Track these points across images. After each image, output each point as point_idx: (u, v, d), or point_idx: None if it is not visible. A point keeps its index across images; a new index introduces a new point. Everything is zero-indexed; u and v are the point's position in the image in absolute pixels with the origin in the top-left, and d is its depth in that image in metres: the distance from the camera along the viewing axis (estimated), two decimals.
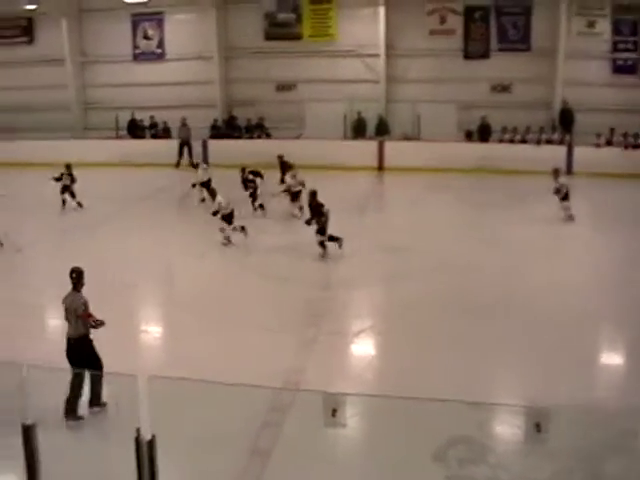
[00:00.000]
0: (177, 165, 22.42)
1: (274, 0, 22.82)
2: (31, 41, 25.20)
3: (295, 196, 16.00)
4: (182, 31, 23.76)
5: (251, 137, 22.87)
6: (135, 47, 24.35)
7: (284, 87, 23.00)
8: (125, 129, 24.08)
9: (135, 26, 24.19)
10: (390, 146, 21.59)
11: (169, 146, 22.53)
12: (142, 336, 10.22)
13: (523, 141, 20.98)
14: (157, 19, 23.93)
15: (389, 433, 6.74)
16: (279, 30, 22.99)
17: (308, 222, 12.83)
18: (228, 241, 13.89)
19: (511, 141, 21.15)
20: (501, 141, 21.23)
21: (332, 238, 12.94)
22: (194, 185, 17.17)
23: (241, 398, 6.03)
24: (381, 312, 11.08)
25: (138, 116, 24.03)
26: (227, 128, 23.61)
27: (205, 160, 21.74)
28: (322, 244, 12.91)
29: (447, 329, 9.63)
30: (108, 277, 11.26)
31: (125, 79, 24.08)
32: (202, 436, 6.75)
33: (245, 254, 13.70)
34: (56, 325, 10.72)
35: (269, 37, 23.18)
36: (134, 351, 9.23)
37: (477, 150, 20.90)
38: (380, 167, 21.57)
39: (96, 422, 7.32)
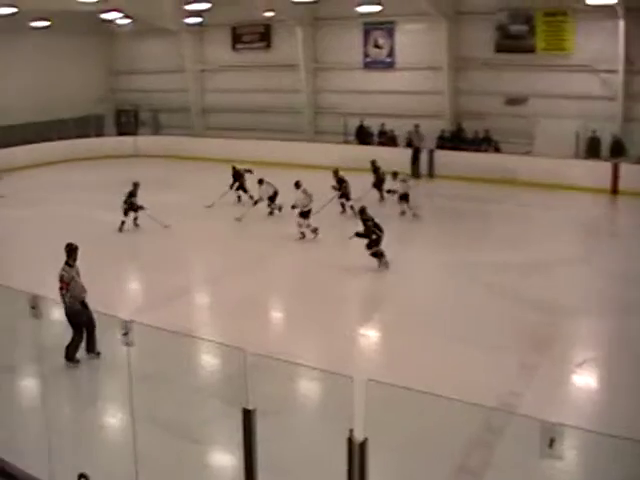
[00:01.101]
0: (412, 174, 25.26)
1: (507, 12, 25.84)
2: (268, 47, 31.29)
3: (404, 197, 19.72)
4: (412, 41, 27.74)
5: (478, 150, 25.75)
6: (366, 55, 28.81)
7: (514, 101, 25.95)
8: (353, 135, 28.62)
9: (367, 35, 28.66)
10: (626, 168, 23.14)
11: (396, 153, 26.21)
12: (360, 339, 12.08)
13: None
14: (388, 28, 28.17)
15: (609, 473, 7.26)
16: (511, 42, 25.98)
17: (361, 235, 15.39)
18: (302, 236, 17.41)
19: None
20: None
21: (376, 254, 15.14)
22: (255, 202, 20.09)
23: (454, 413, 6.79)
24: (606, 343, 11.84)
25: (366, 123, 28.20)
26: (454, 140, 26.68)
27: (431, 171, 25.90)
28: (375, 255, 15.26)
29: None
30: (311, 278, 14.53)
31: (355, 86, 28.57)
32: (411, 445, 7.80)
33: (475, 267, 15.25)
34: (280, 317, 13.85)
35: (500, 49, 26.13)
36: (352, 353, 10.97)
37: None
38: (614, 190, 23.25)
39: (306, 418, 9.09)
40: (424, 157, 26.40)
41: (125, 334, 6.69)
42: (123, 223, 19.01)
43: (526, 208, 21.17)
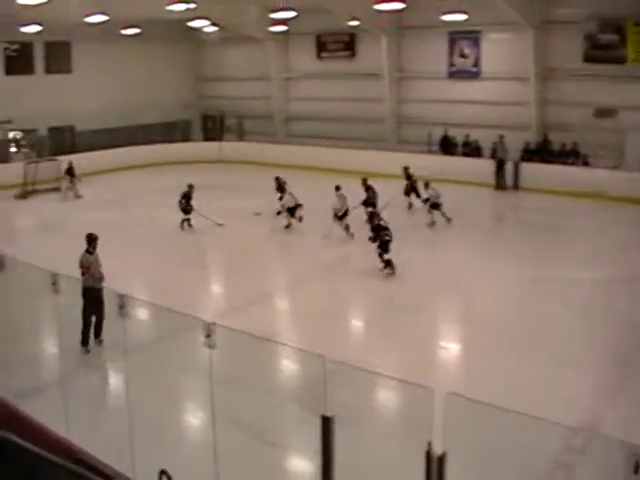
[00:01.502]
0: (496, 187, 25.59)
1: (596, 21, 25.11)
2: (353, 55, 31.46)
3: (435, 207, 19.93)
4: (498, 50, 27.41)
5: (565, 163, 25.27)
6: (451, 65, 28.62)
7: (603, 113, 25.25)
8: (437, 145, 28.39)
9: (452, 44, 28.44)
10: None
11: (480, 164, 26.18)
12: (439, 352, 12.10)
13: None
14: (474, 38, 27.88)
15: None
16: (600, 52, 25.29)
17: (372, 240, 15.87)
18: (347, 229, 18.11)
19: None
20: None
21: (388, 261, 15.57)
22: (279, 212, 20.07)
23: (534, 430, 6.49)
24: None
25: (451, 133, 27.99)
26: (540, 152, 26.19)
27: (516, 184, 25.33)
28: (383, 260, 15.74)
29: None
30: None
31: (439, 96, 28.39)
32: (490, 461, 7.73)
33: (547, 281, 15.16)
34: (359, 325, 13.89)
35: (589, 59, 25.47)
36: (431, 365, 10.99)
37: None
38: None
39: (384, 428, 9.09)
40: (509, 169, 26.00)
41: (208, 336, 6.86)
42: (183, 221, 20.35)
43: (613, 224, 20.67)
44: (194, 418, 9.66)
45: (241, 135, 35.89)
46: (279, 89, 34.48)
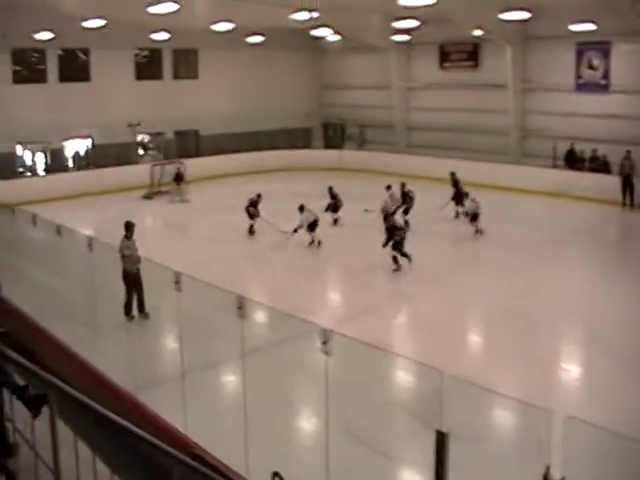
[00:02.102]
0: (623, 204, 24.45)
1: None
2: (476, 66, 31.09)
3: (475, 217, 20.01)
4: (630, 62, 26.36)
5: None
6: (578, 77, 27.72)
7: None
8: (562, 159, 27.50)
9: (579, 55, 27.53)
10: None
11: (607, 181, 25.08)
12: (560, 373, 11.72)
13: None
14: (603, 49, 26.85)
15: None
16: None
17: (385, 245, 16.64)
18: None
19: None
20: None
21: (405, 254, 16.67)
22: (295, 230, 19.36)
23: None
24: None
25: (577, 147, 27.08)
26: None
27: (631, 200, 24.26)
28: (395, 258, 16.64)
29: None
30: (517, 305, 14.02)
31: (565, 108, 27.48)
32: None
33: None
34: (475, 340, 13.53)
35: None
36: (550, 386, 10.63)
37: None
38: None
39: (500, 448, 8.86)
40: (638, 186, 24.91)
41: (324, 343, 6.92)
42: (251, 227, 20.94)
43: None
44: (308, 423, 9.78)
45: (362, 144, 36.12)
46: (400, 98, 34.43)
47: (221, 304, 9.15)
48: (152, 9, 20.10)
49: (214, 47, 31.88)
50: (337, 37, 31.45)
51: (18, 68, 28.98)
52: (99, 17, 22.00)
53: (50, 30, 24.86)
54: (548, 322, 13.72)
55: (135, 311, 13.65)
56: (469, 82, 31.43)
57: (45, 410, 4.29)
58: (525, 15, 22.13)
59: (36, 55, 29.45)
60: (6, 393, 4.98)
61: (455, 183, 22.57)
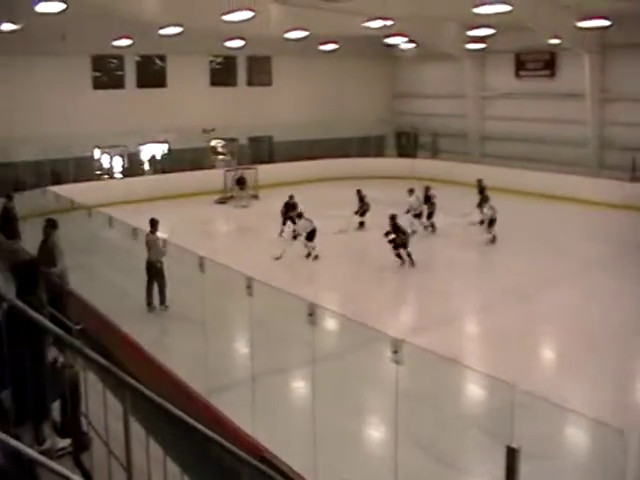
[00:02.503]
0: None
1: None
2: (553, 75, 30.52)
3: (491, 223, 20.38)
4: None
5: None
6: None
7: None
8: None
9: None
10: None
11: None
12: (636, 393, 11.54)
13: None
14: None
15: None
16: None
17: (388, 236, 17.97)
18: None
19: None
20: None
21: (409, 255, 17.94)
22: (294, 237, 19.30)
23: None
24: None
25: None
26: None
27: None
28: (399, 256, 17.96)
29: None
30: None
31: None
32: None
33: None
34: (549, 355, 13.23)
35: None
36: (626, 406, 10.42)
37: None
38: None
39: (572, 467, 8.56)
40: None
41: (395, 352, 6.85)
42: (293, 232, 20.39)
43: None
44: (377, 432, 9.69)
45: (435, 152, 35.88)
46: (475, 107, 34.12)
47: (292, 310, 9.20)
48: (227, 17, 20.37)
49: (288, 54, 32.20)
50: (411, 45, 31.37)
51: (98, 74, 29.97)
52: (176, 25, 22.41)
53: (128, 37, 25.38)
54: (624, 340, 13.29)
55: (156, 301, 14.71)
56: (545, 91, 30.86)
57: (119, 407, 4.34)
58: (604, 23, 21.52)
59: (115, 61, 30.32)
60: (82, 389, 5.08)
61: (481, 190, 22.78)
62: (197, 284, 10.45)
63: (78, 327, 8.87)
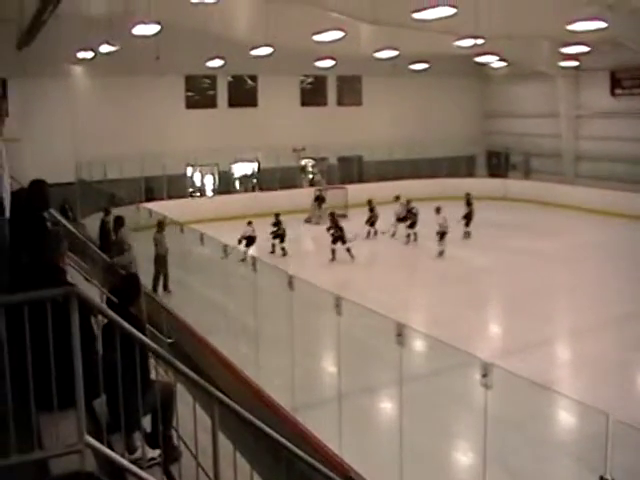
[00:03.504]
0: None
1: None
2: None
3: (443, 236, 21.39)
4: None
5: None
6: None
7: None
8: None
9: None
10: None
11: None
12: None
13: None
14: None
15: None
16: None
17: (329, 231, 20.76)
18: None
19: None
20: None
21: (349, 250, 20.65)
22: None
23: None
24: None
25: None
26: None
27: None
28: (333, 250, 20.87)
29: None
30: None
31: None
32: None
33: None
34: None
35: None
36: None
37: None
38: None
39: None
40: None
41: (484, 376, 6.77)
42: (273, 246, 22.61)
43: None
44: (464, 456, 9.54)
45: (527, 173, 35.27)
46: (568, 127, 33.31)
47: (380, 329, 9.14)
48: (318, 37, 20.61)
49: (378, 74, 32.27)
50: (502, 63, 31.00)
51: (190, 94, 30.84)
52: (267, 45, 22.80)
53: (221, 58, 25.98)
54: None
55: (160, 289, 17.46)
56: None
57: (208, 421, 4.41)
58: None
59: (207, 81, 31.09)
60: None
61: (468, 203, 23.52)
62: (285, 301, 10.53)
63: (169, 341, 9.05)
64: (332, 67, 28.47)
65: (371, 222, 24.50)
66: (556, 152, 33.46)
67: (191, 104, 30.77)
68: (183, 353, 11.21)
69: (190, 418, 4.63)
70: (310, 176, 33.89)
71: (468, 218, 23.67)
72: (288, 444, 4.70)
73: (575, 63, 30.06)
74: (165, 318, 10.99)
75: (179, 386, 5.36)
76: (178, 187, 29.38)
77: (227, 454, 4.56)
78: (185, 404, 5.03)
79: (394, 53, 24.93)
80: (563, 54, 28.08)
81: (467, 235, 23.69)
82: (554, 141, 33.51)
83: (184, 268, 16.94)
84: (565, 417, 10.59)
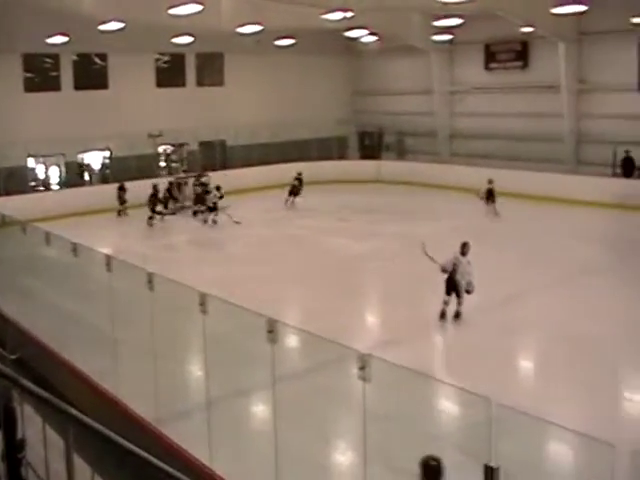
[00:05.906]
0: None
1: None
2: (525, 66, 30.94)
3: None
4: None
5: None
6: None
7: None
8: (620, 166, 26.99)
9: None
10: None
11: None
12: (625, 404, 11.62)
13: None
14: None
15: None
16: None
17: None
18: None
19: None
20: None
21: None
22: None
23: None
24: None
25: (635, 154, 26.69)
26: None
27: None
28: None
29: None
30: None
31: (627, 111, 27.05)
32: None
33: None
34: (530, 367, 13.52)
35: None
36: (614, 418, 10.57)
37: None
38: None
39: None
40: None
41: (362, 368, 6.88)
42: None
43: None
44: (343, 456, 9.72)
45: (401, 153, 36.23)
46: (443, 104, 34.50)
47: (250, 327, 9.18)
48: (174, 11, 20.31)
49: (241, 51, 32.24)
50: (373, 38, 31.58)
51: (30, 75, 29.49)
52: (117, 19, 22.20)
53: (64, 34, 25.03)
54: (610, 348, 13.48)
55: None
56: (518, 84, 31.38)
57: (61, 444, 4.31)
58: (580, 8, 21.87)
59: (49, 61, 29.91)
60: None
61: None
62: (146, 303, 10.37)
63: (13, 357, 8.77)
64: (191, 44, 28.29)
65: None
66: (431, 130, 34.56)
67: (31, 87, 29.39)
68: (31, 369, 10.88)
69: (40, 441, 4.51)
70: (164, 164, 33.17)
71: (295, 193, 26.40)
72: (156, 461, 4.66)
73: (448, 37, 31.05)
74: (10, 332, 10.62)
75: (26, 407, 5.21)
76: (18, 181, 28.05)
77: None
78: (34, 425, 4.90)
79: (258, 28, 24.91)
80: (436, 27, 28.89)
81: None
82: (428, 119, 34.59)
83: (30, 274, 16.20)
84: (448, 405, 10.85)
